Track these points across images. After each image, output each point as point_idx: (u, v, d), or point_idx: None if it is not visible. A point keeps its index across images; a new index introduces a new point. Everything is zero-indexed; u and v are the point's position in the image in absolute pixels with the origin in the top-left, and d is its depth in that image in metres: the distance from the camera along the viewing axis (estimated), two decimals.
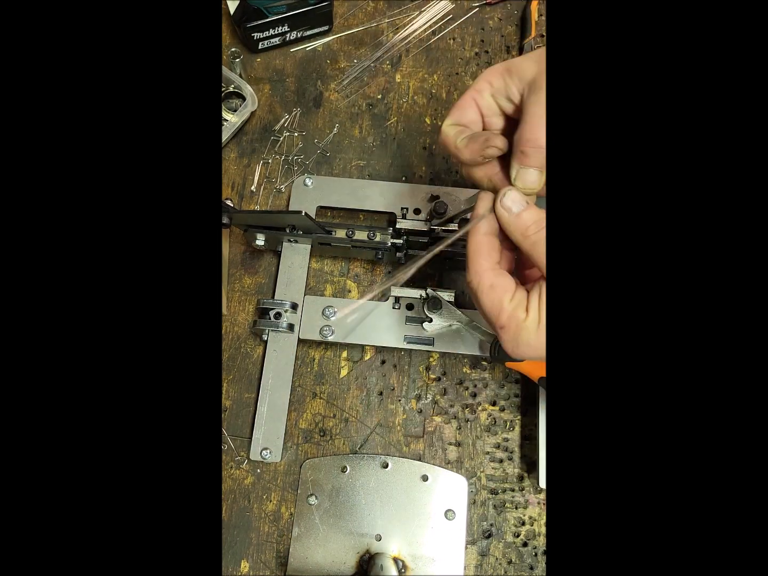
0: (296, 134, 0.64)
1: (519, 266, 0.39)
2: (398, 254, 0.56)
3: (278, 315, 0.54)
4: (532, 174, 0.35)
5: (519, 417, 0.54)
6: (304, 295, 0.55)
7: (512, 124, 0.38)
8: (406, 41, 0.68)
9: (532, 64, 0.36)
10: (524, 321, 0.33)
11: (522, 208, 0.35)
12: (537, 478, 0.49)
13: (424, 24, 0.69)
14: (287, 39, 0.67)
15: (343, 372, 0.56)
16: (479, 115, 0.39)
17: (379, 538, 0.50)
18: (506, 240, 0.36)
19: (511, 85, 0.37)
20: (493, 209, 0.36)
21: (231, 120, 0.62)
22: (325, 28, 0.68)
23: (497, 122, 0.39)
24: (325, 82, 0.67)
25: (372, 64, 0.67)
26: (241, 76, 0.65)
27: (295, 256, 0.57)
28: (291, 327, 0.53)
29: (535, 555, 0.51)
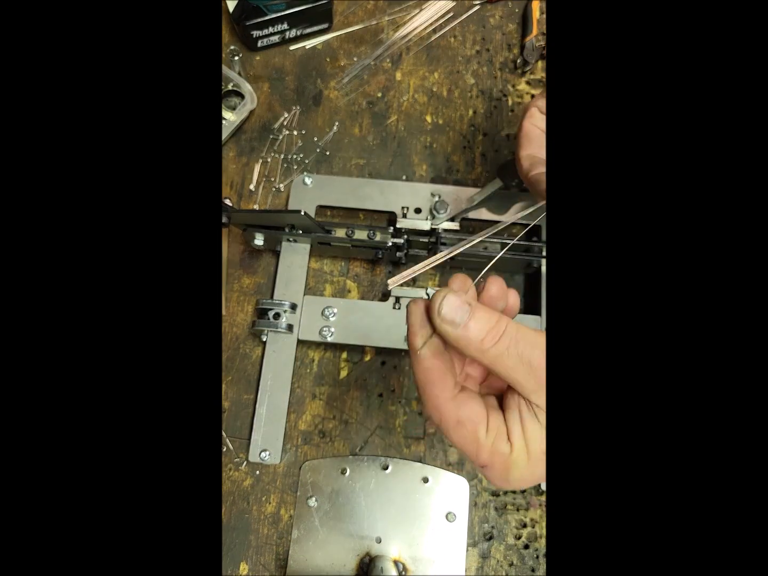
0: (296, 133, 0.64)
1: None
2: (398, 254, 0.55)
3: (277, 315, 0.53)
4: None
5: None
6: (304, 295, 0.55)
7: None
8: (407, 39, 0.68)
9: None
10: (510, 455, 0.27)
11: (467, 316, 0.27)
12: None
13: (425, 22, 0.68)
14: (286, 37, 0.67)
15: (343, 373, 0.56)
16: (542, 131, 0.46)
17: (379, 541, 0.49)
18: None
19: None
20: (432, 327, 0.28)
21: (230, 118, 0.62)
22: (325, 25, 0.68)
23: None
24: (324, 81, 0.66)
25: (372, 62, 0.67)
26: (240, 74, 0.64)
27: (295, 256, 0.56)
28: (290, 327, 0.53)
29: (537, 557, 0.50)
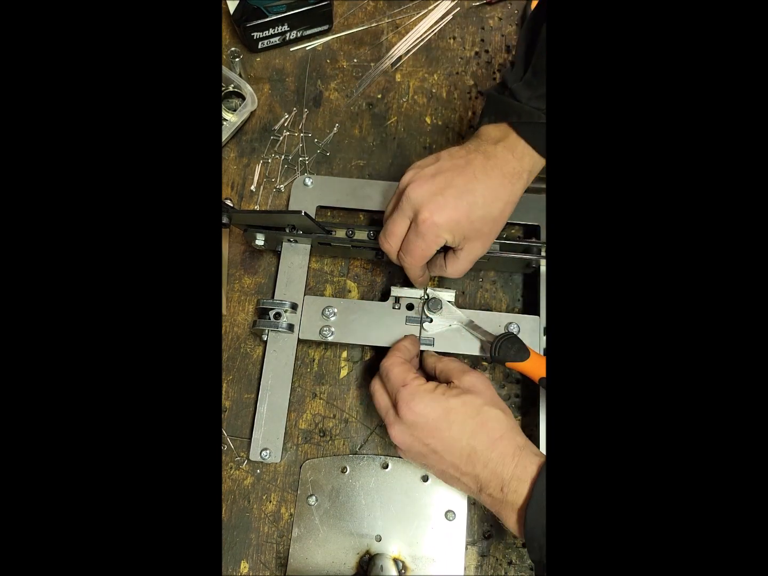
0: (296, 134, 0.64)
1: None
2: None
3: (278, 315, 0.53)
4: (427, 278, 0.51)
5: (519, 417, 0.54)
6: (304, 295, 0.55)
7: None
8: (415, 44, 0.68)
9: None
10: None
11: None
12: None
13: (432, 25, 0.68)
14: (287, 38, 0.67)
15: (343, 372, 0.56)
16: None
17: (379, 539, 0.50)
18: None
19: (458, 239, 0.45)
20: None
21: (231, 120, 0.62)
22: (325, 27, 0.68)
23: None
24: (325, 82, 0.67)
25: (380, 66, 0.67)
26: (240, 75, 0.64)
27: (295, 256, 0.57)
28: (291, 327, 0.53)
29: None
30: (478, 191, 0.43)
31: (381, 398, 0.45)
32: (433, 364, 0.48)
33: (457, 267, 0.48)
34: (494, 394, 0.45)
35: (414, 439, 0.42)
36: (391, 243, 0.47)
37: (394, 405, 0.43)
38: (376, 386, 0.46)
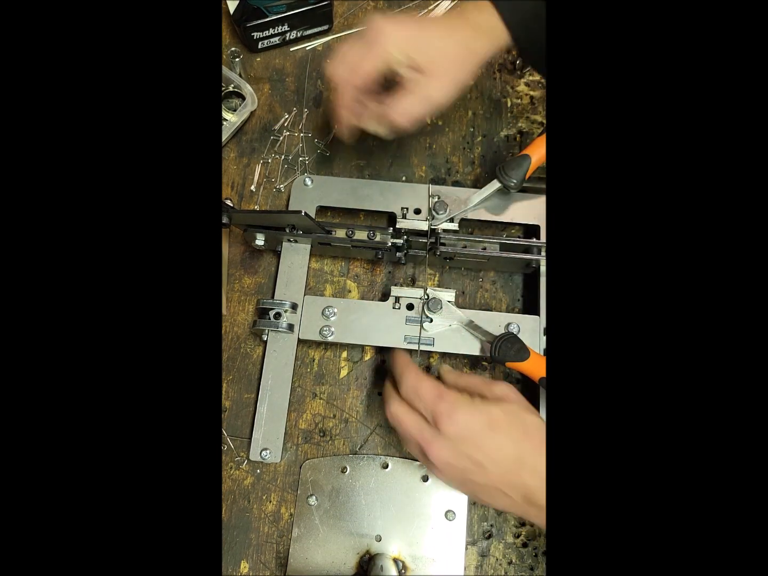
0: (296, 134, 0.64)
1: None
2: (398, 254, 0.56)
3: (278, 315, 0.53)
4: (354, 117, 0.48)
5: None
6: (304, 295, 0.55)
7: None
8: None
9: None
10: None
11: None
12: None
13: None
14: (287, 38, 0.67)
15: (343, 372, 0.56)
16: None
17: (379, 539, 0.50)
18: None
19: (407, 64, 0.43)
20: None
21: (231, 120, 0.62)
22: (325, 27, 0.68)
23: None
24: (325, 82, 0.67)
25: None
26: (240, 75, 0.64)
27: (295, 256, 0.57)
28: (291, 327, 0.53)
29: (536, 555, 0.51)
30: (434, 24, 0.45)
31: (410, 419, 0.42)
32: (454, 380, 0.46)
33: (402, 102, 0.43)
34: (525, 401, 0.44)
35: (457, 453, 0.40)
36: (336, 63, 0.44)
37: (432, 420, 0.41)
38: (400, 410, 0.43)
